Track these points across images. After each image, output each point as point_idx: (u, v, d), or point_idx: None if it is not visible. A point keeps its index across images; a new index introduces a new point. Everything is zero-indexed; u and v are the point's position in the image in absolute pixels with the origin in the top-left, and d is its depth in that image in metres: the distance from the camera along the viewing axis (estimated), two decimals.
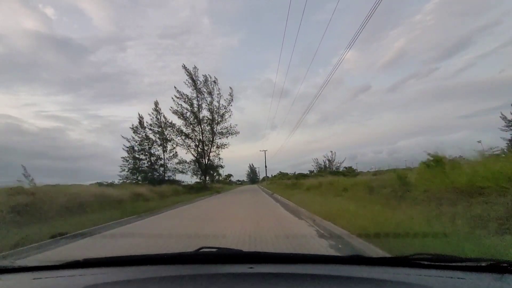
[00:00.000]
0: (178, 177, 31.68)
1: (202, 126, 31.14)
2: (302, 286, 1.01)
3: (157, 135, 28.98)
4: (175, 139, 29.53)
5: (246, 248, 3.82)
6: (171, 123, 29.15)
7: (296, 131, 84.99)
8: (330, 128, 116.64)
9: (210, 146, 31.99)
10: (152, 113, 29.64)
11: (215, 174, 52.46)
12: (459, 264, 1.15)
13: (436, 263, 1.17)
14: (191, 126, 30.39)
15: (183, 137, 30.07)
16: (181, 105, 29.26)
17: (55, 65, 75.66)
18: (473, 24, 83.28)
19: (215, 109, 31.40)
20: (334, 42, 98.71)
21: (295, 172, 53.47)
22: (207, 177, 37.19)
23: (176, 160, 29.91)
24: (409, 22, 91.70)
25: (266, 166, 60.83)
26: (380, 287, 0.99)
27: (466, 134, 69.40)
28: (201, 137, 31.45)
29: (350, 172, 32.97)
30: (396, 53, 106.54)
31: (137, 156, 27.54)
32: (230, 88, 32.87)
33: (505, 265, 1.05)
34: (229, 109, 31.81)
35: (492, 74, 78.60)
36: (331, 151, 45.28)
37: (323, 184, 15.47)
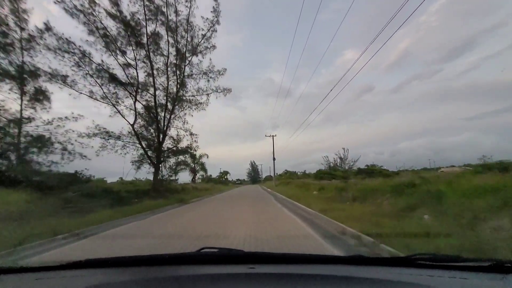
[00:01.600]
0: (99, 170, 15.11)
1: (151, 56, 14.64)
2: (303, 286, 1.01)
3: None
4: (62, 79, 12.81)
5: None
6: (47, 28, 12.13)
7: (298, 131, 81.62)
8: (331, 128, 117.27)
9: (172, 104, 15.79)
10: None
11: (198, 168, 36.50)
12: (461, 264, 1.14)
13: (438, 263, 1.16)
14: (119, 52, 13.75)
15: (94, 74, 13.38)
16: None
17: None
18: (478, 26, 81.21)
19: (182, 31, 15.08)
20: (335, 42, 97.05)
21: (305, 171, 47.49)
22: (175, 173, 19.94)
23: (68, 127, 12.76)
24: (414, 23, 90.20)
25: (274, 159, 36.36)
26: (381, 287, 0.99)
27: (468, 136, 66.76)
28: (150, 80, 14.96)
29: (387, 172, 23.37)
30: (400, 54, 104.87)
31: None
32: (215, 0, 15.49)
33: (508, 265, 1.04)
34: (211, 36, 15.67)
35: (496, 76, 76.96)
36: (344, 148, 35.57)
37: None
